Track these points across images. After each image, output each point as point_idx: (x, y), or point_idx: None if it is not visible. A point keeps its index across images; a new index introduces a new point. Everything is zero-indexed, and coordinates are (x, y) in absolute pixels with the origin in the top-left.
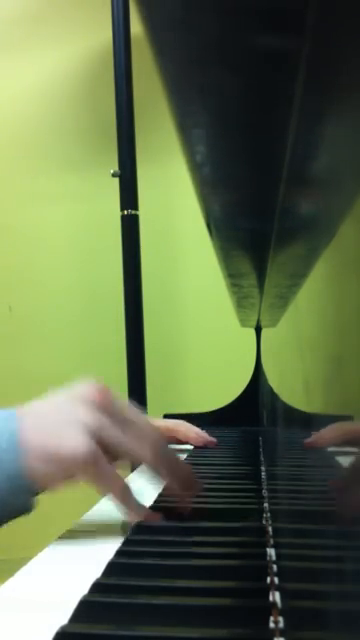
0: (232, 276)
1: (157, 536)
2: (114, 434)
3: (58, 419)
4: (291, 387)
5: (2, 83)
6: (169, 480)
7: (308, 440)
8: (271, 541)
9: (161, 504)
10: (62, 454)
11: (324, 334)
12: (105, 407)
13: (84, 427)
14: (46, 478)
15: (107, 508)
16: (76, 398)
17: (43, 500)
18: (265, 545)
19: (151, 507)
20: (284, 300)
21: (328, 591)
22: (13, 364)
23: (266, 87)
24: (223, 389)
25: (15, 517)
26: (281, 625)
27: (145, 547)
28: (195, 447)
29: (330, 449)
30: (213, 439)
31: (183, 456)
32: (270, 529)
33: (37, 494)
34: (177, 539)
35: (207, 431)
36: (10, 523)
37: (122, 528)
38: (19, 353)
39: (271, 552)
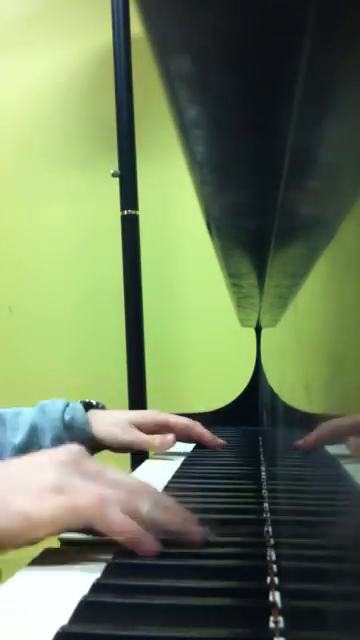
0: (232, 276)
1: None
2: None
3: (22, 478)
4: (291, 387)
5: (2, 83)
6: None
7: (299, 442)
8: (271, 541)
9: None
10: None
11: (324, 334)
12: (74, 464)
13: (47, 486)
14: (10, 539)
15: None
16: (44, 460)
17: None
18: (265, 545)
19: None
20: (284, 300)
21: (328, 591)
22: (13, 364)
23: (266, 87)
24: (223, 389)
25: None
26: (281, 625)
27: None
28: (198, 447)
29: (330, 449)
30: (223, 442)
31: (181, 459)
32: (270, 529)
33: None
34: (177, 539)
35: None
36: None
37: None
38: (19, 353)
39: (271, 552)
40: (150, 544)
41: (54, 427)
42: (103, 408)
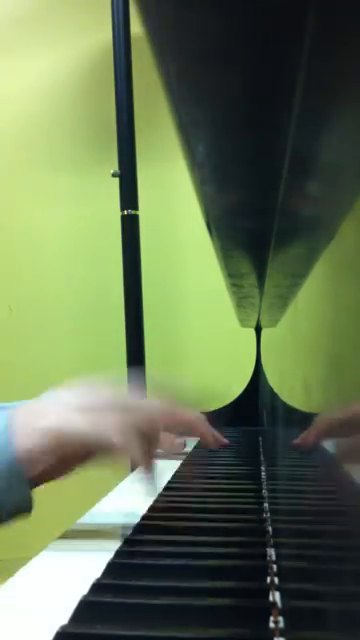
0: (232, 276)
1: (157, 536)
2: (105, 403)
3: (50, 403)
4: (291, 387)
5: (2, 83)
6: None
7: (297, 440)
8: (271, 541)
9: (162, 504)
10: (50, 428)
11: (324, 334)
12: (92, 389)
13: (76, 406)
14: (40, 458)
15: (107, 508)
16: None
17: (43, 500)
18: (265, 545)
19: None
20: (284, 300)
21: (328, 591)
22: (13, 364)
23: (266, 87)
24: (223, 389)
25: (15, 516)
26: (281, 625)
27: (145, 547)
28: (198, 446)
29: (330, 448)
30: (226, 441)
31: (178, 462)
32: (270, 529)
33: (34, 487)
34: (177, 539)
35: None
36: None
37: (122, 528)
38: (19, 353)
39: (271, 552)
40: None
41: None
42: None
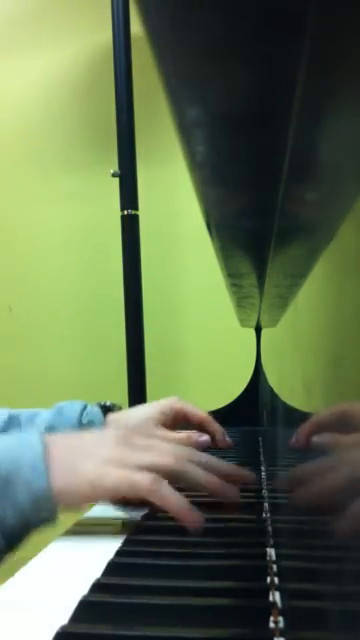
0: (232, 276)
1: (157, 536)
2: (135, 457)
3: (87, 447)
4: (291, 387)
5: (2, 83)
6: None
7: (292, 440)
8: (271, 541)
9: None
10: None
11: (324, 334)
12: (126, 437)
13: (108, 459)
14: (74, 498)
15: (107, 508)
16: (100, 435)
17: None
18: (265, 545)
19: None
20: (284, 300)
21: (328, 591)
22: (13, 364)
23: (266, 87)
24: (223, 389)
25: (37, 530)
26: (281, 625)
27: (145, 547)
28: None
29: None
30: (231, 442)
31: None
32: (270, 529)
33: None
34: (177, 539)
35: None
36: None
37: (122, 528)
38: (19, 353)
39: (271, 552)
40: (196, 517)
41: (71, 430)
42: (120, 409)
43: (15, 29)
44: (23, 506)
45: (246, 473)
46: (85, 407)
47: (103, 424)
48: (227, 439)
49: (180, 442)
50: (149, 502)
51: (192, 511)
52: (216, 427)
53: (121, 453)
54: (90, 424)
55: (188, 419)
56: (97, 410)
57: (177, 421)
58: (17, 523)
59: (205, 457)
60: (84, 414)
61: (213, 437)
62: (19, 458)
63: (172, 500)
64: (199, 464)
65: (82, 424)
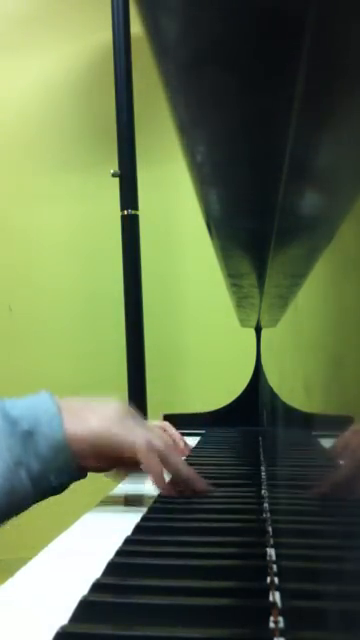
0: (232, 276)
1: (157, 536)
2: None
3: (92, 407)
4: (291, 387)
5: (2, 83)
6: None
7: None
8: (271, 541)
9: (161, 505)
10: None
11: (324, 334)
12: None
13: (115, 418)
14: (80, 443)
15: (107, 508)
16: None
17: (43, 501)
18: (265, 545)
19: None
20: (284, 300)
21: (328, 591)
22: (13, 364)
23: (266, 87)
24: (223, 389)
25: (58, 476)
26: (281, 625)
27: (145, 547)
28: (198, 447)
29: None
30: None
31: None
32: (270, 529)
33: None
34: (177, 539)
35: (207, 430)
36: (11, 522)
37: (122, 528)
38: (19, 353)
39: (271, 552)
40: (168, 489)
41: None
42: None
43: (15, 29)
44: (44, 455)
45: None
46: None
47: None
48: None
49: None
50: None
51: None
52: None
53: (124, 417)
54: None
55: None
56: None
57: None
58: (40, 469)
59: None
60: None
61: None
62: (37, 415)
63: (155, 465)
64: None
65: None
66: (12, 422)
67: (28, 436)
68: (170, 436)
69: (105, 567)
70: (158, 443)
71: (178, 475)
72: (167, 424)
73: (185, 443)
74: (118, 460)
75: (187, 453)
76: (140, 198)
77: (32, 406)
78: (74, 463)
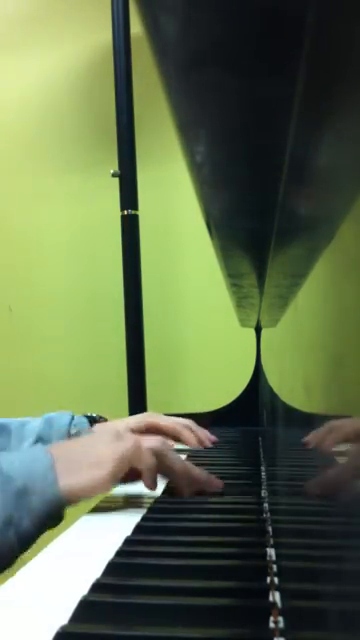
0: (232, 276)
1: (157, 536)
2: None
3: (84, 448)
4: (291, 387)
5: (2, 83)
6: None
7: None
8: (271, 541)
9: (161, 505)
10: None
11: (324, 334)
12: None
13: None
14: (80, 498)
15: (107, 509)
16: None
17: None
18: (265, 545)
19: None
20: (284, 300)
21: (328, 591)
22: (13, 364)
23: (266, 87)
24: (223, 389)
25: (47, 530)
26: (281, 625)
27: (145, 547)
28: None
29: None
30: (208, 441)
31: (183, 456)
32: (270, 529)
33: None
34: (177, 539)
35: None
36: None
37: (122, 528)
38: (19, 353)
39: (271, 552)
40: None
41: (60, 440)
42: (105, 420)
43: (15, 29)
44: (38, 512)
45: (214, 480)
46: (73, 418)
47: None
48: (207, 440)
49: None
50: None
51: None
52: (186, 435)
53: (117, 444)
54: (78, 434)
55: (161, 431)
56: (84, 420)
57: (149, 433)
58: (31, 527)
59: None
60: (72, 424)
61: (186, 443)
62: (31, 471)
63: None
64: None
65: (70, 434)
66: (6, 478)
67: (22, 493)
68: (195, 432)
69: (105, 567)
70: (156, 446)
71: (176, 474)
72: (191, 422)
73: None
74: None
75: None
76: (140, 198)
77: (27, 460)
78: (65, 512)
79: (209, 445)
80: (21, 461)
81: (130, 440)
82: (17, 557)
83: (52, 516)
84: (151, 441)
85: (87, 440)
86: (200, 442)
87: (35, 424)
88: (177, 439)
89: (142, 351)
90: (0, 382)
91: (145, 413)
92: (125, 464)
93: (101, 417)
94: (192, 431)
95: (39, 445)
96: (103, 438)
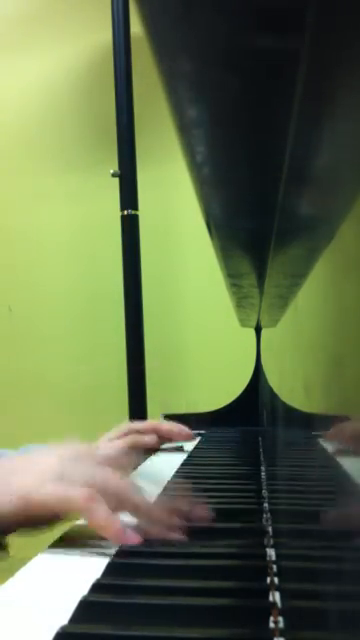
0: (232, 276)
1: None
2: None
3: (23, 465)
4: (291, 387)
5: (2, 83)
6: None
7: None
8: (271, 541)
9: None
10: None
11: (324, 334)
12: (74, 457)
13: (48, 473)
14: (7, 516)
15: None
16: (47, 452)
17: None
18: (265, 545)
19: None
20: (284, 300)
21: (328, 591)
22: (13, 364)
23: (266, 87)
24: (223, 389)
25: None
26: (281, 625)
27: (145, 547)
28: (198, 447)
29: (329, 448)
30: (190, 432)
31: (181, 459)
32: (270, 529)
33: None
34: (177, 539)
35: (207, 430)
36: None
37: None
38: (19, 353)
39: (271, 552)
40: (131, 537)
41: None
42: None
43: (15, 29)
44: None
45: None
46: None
47: None
48: (185, 431)
49: (125, 445)
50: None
51: (125, 530)
52: (166, 427)
53: (61, 467)
54: None
55: (140, 432)
56: None
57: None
58: None
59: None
60: None
61: (169, 435)
62: None
63: (103, 519)
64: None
65: None
66: None
67: None
68: (167, 428)
69: (105, 567)
70: (111, 484)
71: (142, 513)
72: (156, 423)
73: (185, 430)
74: (55, 518)
75: (190, 439)
76: (140, 198)
77: None
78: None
79: (192, 437)
80: None
81: (82, 490)
82: None
83: None
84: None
85: (37, 455)
86: (181, 435)
87: (12, 455)
88: (162, 438)
89: (142, 350)
90: (0, 382)
91: (122, 424)
92: (61, 507)
93: None
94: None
95: None
96: (52, 460)
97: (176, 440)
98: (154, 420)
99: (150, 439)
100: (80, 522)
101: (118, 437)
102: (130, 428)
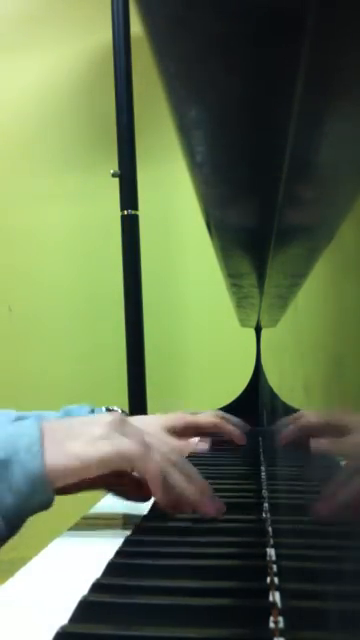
0: (232, 276)
1: (157, 536)
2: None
3: (78, 426)
4: (291, 387)
5: (2, 83)
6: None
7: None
8: (271, 541)
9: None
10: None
11: (324, 334)
12: (118, 423)
13: (96, 436)
14: (65, 475)
15: (107, 508)
16: (93, 419)
17: None
18: (265, 545)
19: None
20: (284, 300)
21: (328, 591)
22: (13, 364)
23: (266, 87)
24: (223, 389)
25: (35, 512)
26: (281, 625)
27: (145, 547)
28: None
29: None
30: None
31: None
32: (270, 529)
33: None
34: (177, 539)
35: None
36: None
37: (122, 528)
38: (19, 353)
39: (271, 552)
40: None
41: None
42: (127, 415)
43: (15, 29)
44: (20, 487)
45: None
46: (93, 411)
47: None
48: (241, 435)
49: (179, 449)
50: (144, 489)
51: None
52: (228, 429)
53: (110, 434)
54: None
55: (200, 429)
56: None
57: (187, 435)
58: (15, 504)
59: (192, 470)
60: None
61: (230, 438)
62: (16, 443)
63: (157, 467)
64: (182, 472)
65: None
66: None
67: (3, 465)
68: (229, 430)
69: (105, 567)
70: (162, 447)
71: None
72: (218, 420)
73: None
74: (114, 478)
75: (243, 442)
76: (140, 198)
77: (15, 433)
78: (53, 497)
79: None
80: (8, 434)
81: (135, 443)
82: (4, 540)
83: (37, 493)
84: (166, 451)
85: (87, 419)
86: (241, 440)
87: (53, 416)
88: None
89: (142, 351)
90: (0, 382)
91: (178, 414)
92: (117, 461)
93: (123, 411)
94: (231, 424)
95: (32, 418)
96: (103, 421)
97: (232, 443)
98: (211, 411)
99: (238, 440)
100: (80, 522)
101: (175, 428)
102: (187, 423)
